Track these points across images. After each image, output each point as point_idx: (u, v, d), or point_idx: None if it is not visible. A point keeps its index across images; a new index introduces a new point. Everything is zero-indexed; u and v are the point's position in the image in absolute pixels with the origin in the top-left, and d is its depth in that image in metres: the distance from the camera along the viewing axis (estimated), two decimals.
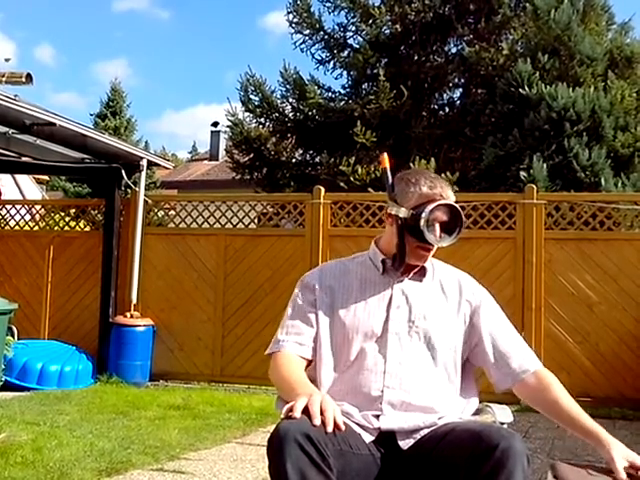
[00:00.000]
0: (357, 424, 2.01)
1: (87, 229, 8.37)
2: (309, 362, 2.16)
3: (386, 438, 2.00)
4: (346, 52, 11.39)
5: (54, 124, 6.51)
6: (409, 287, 2.18)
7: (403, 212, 2.14)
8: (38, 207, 8.70)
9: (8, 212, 8.39)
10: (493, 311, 2.22)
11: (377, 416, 2.03)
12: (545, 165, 8.53)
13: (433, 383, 2.09)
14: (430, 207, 2.10)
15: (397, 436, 2.01)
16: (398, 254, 2.16)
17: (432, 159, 9.23)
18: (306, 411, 1.78)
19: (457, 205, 2.16)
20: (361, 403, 2.06)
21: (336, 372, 2.12)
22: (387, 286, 2.18)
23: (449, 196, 2.16)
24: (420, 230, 2.10)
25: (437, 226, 2.12)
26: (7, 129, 6.58)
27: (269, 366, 2.17)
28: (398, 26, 10.92)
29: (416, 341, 2.11)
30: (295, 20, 11.33)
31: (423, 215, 2.10)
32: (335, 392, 2.05)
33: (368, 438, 1.99)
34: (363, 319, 2.13)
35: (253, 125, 11.60)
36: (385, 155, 2.27)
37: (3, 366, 6.72)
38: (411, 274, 2.20)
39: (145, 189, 7.96)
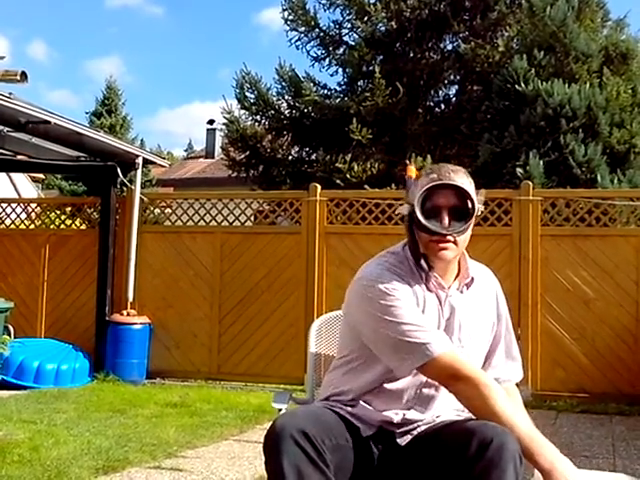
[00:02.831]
0: (357, 418, 2.00)
1: (83, 227, 8.36)
2: None
3: (384, 433, 2.00)
4: (341, 49, 11.38)
5: (49, 122, 6.50)
6: (456, 302, 2.06)
7: (405, 208, 2.03)
8: (34, 205, 8.70)
9: (4, 211, 8.36)
10: (507, 323, 2.22)
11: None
12: (541, 162, 8.54)
13: (453, 406, 2.05)
14: (421, 191, 1.96)
15: (395, 432, 2.01)
16: (411, 253, 2.04)
17: (428, 156, 9.23)
18: None
19: (459, 184, 1.97)
20: (381, 409, 2.02)
21: (380, 377, 2.04)
22: (436, 301, 2.05)
23: (452, 178, 1.98)
24: (420, 220, 1.96)
25: (444, 213, 1.96)
26: (2, 127, 6.56)
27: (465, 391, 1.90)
28: (394, 23, 10.90)
29: None
30: (290, 17, 11.32)
31: (416, 202, 1.96)
32: (368, 391, 2.03)
33: (366, 433, 1.98)
34: None
35: (249, 123, 11.58)
36: (412, 167, 2.16)
37: (0, 365, 6.73)
38: (458, 286, 2.08)
39: (141, 187, 7.94)
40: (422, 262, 2.02)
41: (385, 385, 2.03)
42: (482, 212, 2.05)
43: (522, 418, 1.89)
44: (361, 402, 2.02)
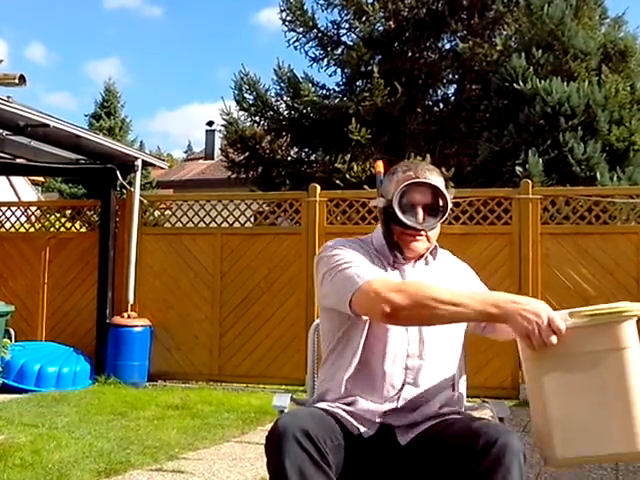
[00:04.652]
0: (357, 417, 2.00)
1: (83, 230, 8.35)
2: None
3: (385, 433, 2.00)
4: (340, 49, 11.37)
5: (48, 125, 6.50)
6: (421, 270, 2.15)
7: (381, 202, 2.13)
8: (34, 208, 8.69)
9: (4, 214, 8.37)
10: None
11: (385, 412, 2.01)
12: (540, 160, 8.54)
13: (441, 375, 2.08)
14: (399, 188, 2.08)
15: (396, 431, 2.00)
16: (386, 243, 2.14)
17: (427, 155, 9.22)
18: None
19: (435, 183, 2.11)
20: (376, 396, 2.02)
21: (360, 360, 2.06)
22: (398, 273, 2.13)
23: (427, 177, 2.11)
24: (396, 214, 2.07)
25: (419, 209, 2.09)
26: (1, 131, 6.57)
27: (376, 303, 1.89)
28: (391, 23, 10.91)
29: (432, 332, 2.06)
30: (288, 18, 11.32)
31: (394, 198, 2.08)
32: (354, 378, 2.04)
33: (367, 433, 1.98)
34: None
35: (248, 124, 11.58)
36: (380, 162, 2.27)
37: (1, 368, 6.72)
38: (424, 259, 2.17)
39: (141, 189, 7.95)
40: (395, 251, 2.13)
41: (373, 367, 2.03)
42: (452, 210, 2.18)
43: (469, 293, 1.95)
44: (359, 399, 2.02)
